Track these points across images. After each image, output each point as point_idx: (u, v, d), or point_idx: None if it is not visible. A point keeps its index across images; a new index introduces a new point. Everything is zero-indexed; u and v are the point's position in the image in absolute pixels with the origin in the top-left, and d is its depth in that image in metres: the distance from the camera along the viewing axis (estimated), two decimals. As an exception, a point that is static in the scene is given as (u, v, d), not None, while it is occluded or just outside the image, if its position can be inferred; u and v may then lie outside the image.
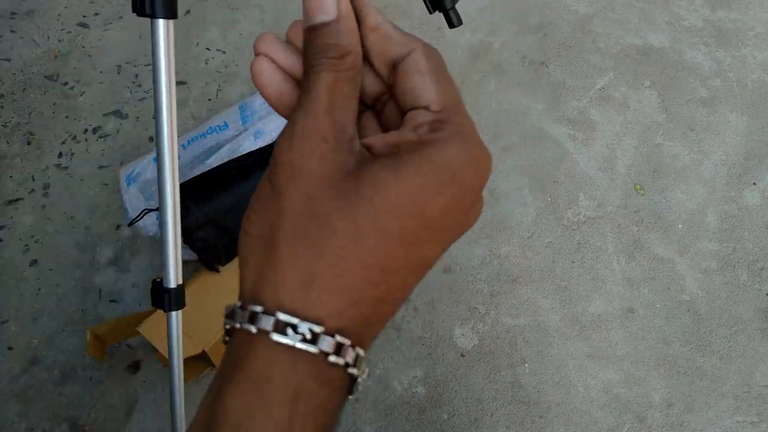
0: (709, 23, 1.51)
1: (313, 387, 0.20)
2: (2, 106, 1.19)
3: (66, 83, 1.23)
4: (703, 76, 1.41)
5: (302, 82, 0.22)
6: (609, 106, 1.33)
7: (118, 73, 1.26)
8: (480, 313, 1.04)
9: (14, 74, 1.23)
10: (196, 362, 0.92)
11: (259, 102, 1.02)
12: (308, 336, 0.19)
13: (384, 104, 0.25)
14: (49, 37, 1.30)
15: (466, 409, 0.95)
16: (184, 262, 1.04)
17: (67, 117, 1.19)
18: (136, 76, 1.26)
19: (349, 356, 0.20)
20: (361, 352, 0.20)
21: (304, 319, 0.20)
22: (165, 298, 0.57)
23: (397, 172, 0.20)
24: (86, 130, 1.17)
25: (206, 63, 1.29)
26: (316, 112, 0.21)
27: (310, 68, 0.22)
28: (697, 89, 1.38)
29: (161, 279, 0.57)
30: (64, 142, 1.16)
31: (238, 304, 0.21)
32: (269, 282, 0.20)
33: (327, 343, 0.19)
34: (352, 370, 0.20)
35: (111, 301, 0.99)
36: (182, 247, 0.95)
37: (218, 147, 0.97)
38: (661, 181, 1.23)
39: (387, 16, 0.24)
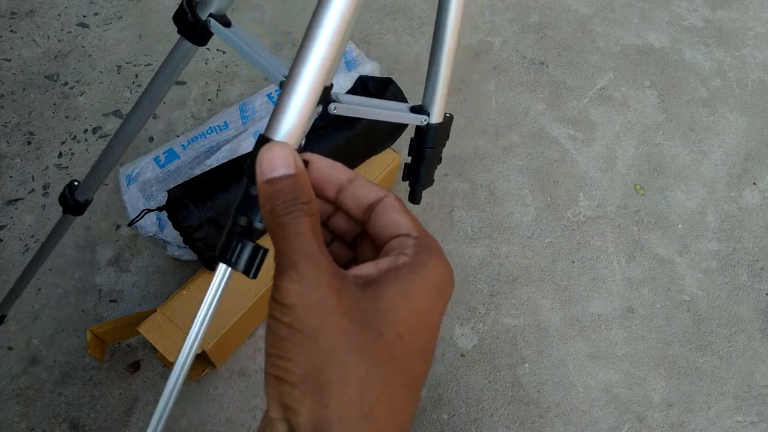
0: (709, 23, 1.51)
1: None
2: (2, 106, 1.19)
3: (66, 83, 1.23)
4: (703, 76, 1.41)
5: (279, 231, 0.23)
6: (609, 106, 1.33)
7: (118, 73, 1.26)
8: (480, 313, 1.04)
9: (14, 74, 1.23)
10: (196, 362, 0.92)
11: (259, 102, 1.02)
12: None
13: (357, 241, 0.28)
14: (49, 37, 1.30)
15: (466, 409, 0.95)
16: (185, 262, 1.04)
17: (67, 117, 1.19)
18: (136, 76, 1.26)
19: None
20: None
21: None
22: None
23: (404, 294, 0.22)
24: (86, 130, 1.17)
25: (206, 63, 1.29)
26: (314, 252, 0.22)
27: (288, 215, 0.23)
28: (697, 89, 1.38)
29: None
30: (64, 142, 1.16)
31: None
32: (332, 423, 0.21)
33: None
34: None
35: (111, 301, 0.99)
36: (182, 247, 0.95)
37: (218, 147, 0.97)
38: (661, 181, 1.23)
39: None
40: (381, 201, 0.26)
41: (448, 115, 0.58)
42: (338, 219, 0.28)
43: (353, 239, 0.28)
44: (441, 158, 0.61)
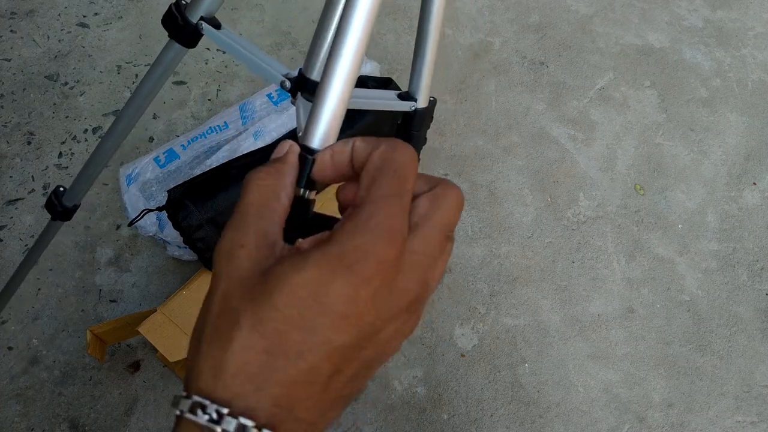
0: (709, 23, 1.51)
1: None
2: (2, 106, 1.19)
3: (66, 83, 1.23)
4: (703, 76, 1.41)
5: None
6: (609, 106, 1.33)
7: (118, 73, 1.26)
8: (480, 313, 1.04)
9: (14, 74, 1.23)
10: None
11: (259, 102, 1.02)
12: (214, 416, 0.22)
13: None
14: (49, 37, 1.30)
15: (466, 409, 0.95)
16: (185, 262, 1.04)
17: (67, 117, 1.19)
18: (136, 76, 1.26)
19: (231, 425, 0.22)
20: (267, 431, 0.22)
21: (213, 402, 0.22)
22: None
23: (296, 265, 0.23)
24: (86, 130, 1.17)
25: (206, 63, 1.29)
26: (238, 224, 0.25)
27: (243, 186, 0.26)
28: (697, 89, 1.38)
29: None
30: (64, 142, 1.15)
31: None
32: (193, 373, 0.23)
33: (230, 424, 0.22)
34: None
35: (111, 301, 0.99)
36: (182, 247, 0.95)
37: (218, 147, 0.97)
38: (661, 181, 1.23)
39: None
40: (366, 161, 0.25)
41: (432, 99, 0.61)
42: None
43: None
44: (426, 138, 0.64)
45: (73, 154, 1.14)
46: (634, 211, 1.19)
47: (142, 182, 0.95)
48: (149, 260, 1.04)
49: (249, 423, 0.22)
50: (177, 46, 0.54)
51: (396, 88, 1.01)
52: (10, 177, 1.10)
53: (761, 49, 1.48)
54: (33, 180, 1.11)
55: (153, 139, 1.17)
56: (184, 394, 0.23)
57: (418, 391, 0.96)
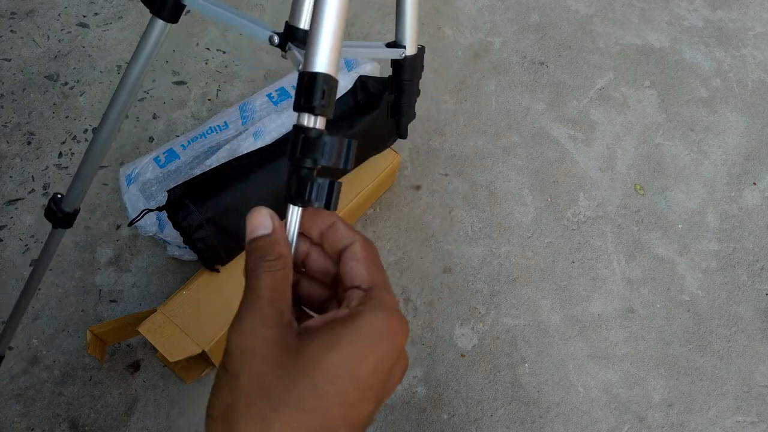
0: (709, 23, 1.51)
1: None
2: (2, 106, 1.19)
3: (66, 83, 1.23)
4: (703, 76, 1.41)
5: (246, 283, 0.28)
6: (609, 106, 1.33)
7: (118, 73, 1.26)
8: (480, 313, 1.04)
9: (14, 74, 1.23)
10: (196, 362, 0.92)
11: (259, 102, 1.02)
12: None
13: (336, 281, 0.31)
14: (49, 37, 1.30)
15: (466, 409, 0.95)
16: (185, 262, 1.04)
17: (67, 117, 1.19)
18: (136, 76, 1.26)
19: None
20: None
21: None
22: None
23: (330, 344, 0.25)
24: (86, 130, 1.17)
25: (206, 63, 1.29)
26: (260, 306, 0.26)
27: (252, 271, 0.28)
28: (697, 89, 1.38)
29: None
30: (64, 142, 1.16)
31: None
32: None
33: None
34: None
35: (111, 301, 0.99)
36: (182, 247, 0.95)
37: (218, 147, 0.97)
38: (661, 181, 1.23)
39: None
40: (348, 248, 0.29)
41: (420, 46, 0.62)
42: (319, 258, 0.31)
43: (333, 280, 0.31)
44: (419, 90, 0.64)
45: (73, 154, 1.14)
46: (634, 211, 1.19)
47: (142, 182, 0.95)
48: (149, 260, 1.04)
49: None
50: (160, 22, 0.53)
51: (396, 88, 1.01)
52: (10, 177, 1.10)
53: (761, 49, 1.48)
54: (33, 180, 1.11)
55: (153, 139, 1.17)
56: None
57: (418, 391, 0.96)
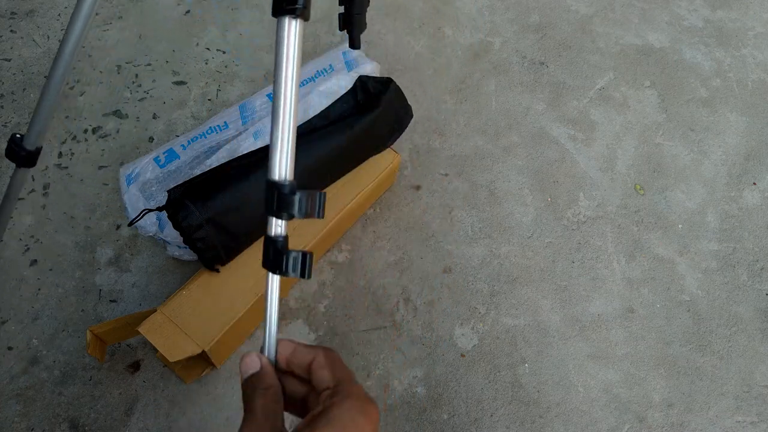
0: (709, 23, 1.51)
1: None
2: (2, 106, 1.19)
3: (66, 83, 1.23)
4: (703, 76, 1.41)
5: (245, 407, 0.35)
6: (609, 106, 1.33)
7: (118, 73, 1.26)
8: (480, 313, 1.04)
9: (14, 74, 1.24)
10: (196, 362, 0.92)
11: (259, 102, 1.02)
12: None
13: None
14: (49, 37, 1.30)
15: (466, 409, 0.95)
16: (185, 262, 1.04)
17: (67, 117, 1.19)
18: (136, 76, 1.26)
19: None
20: None
21: None
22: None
23: None
24: (86, 130, 1.18)
25: (206, 63, 1.29)
26: (256, 421, 0.34)
27: (249, 397, 0.35)
28: (697, 89, 1.38)
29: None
30: (64, 142, 1.16)
31: None
32: None
33: None
34: None
35: (111, 301, 0.99)
36: (182, 247, 0.95)
37: (218, 147, 0.97)
38: (661, 181, 1.23)
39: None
40: (313, 361, 0.36)
41: None
42: (293, 384, 0.38)
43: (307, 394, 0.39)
44: (366, 23, 0.67)
45: (73, 154, 1.14)
46: (634, 211, 1.19)
47: (142, 182, 0.95)
48: (149, 260, 1.04)
49: None
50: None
51: (397, 89, 1.01)
52: (11, 177, 1.10)
53: (761, 49, 1.48)
54: (33, 180, 1.11)
55: (153, 139, 1.17)
56: None
57: (418, 391, 0.96)
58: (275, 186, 0.37)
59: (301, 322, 1.00)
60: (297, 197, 0.36)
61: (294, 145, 0.39)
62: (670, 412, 0.99)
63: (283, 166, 0.38)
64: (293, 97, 0.38)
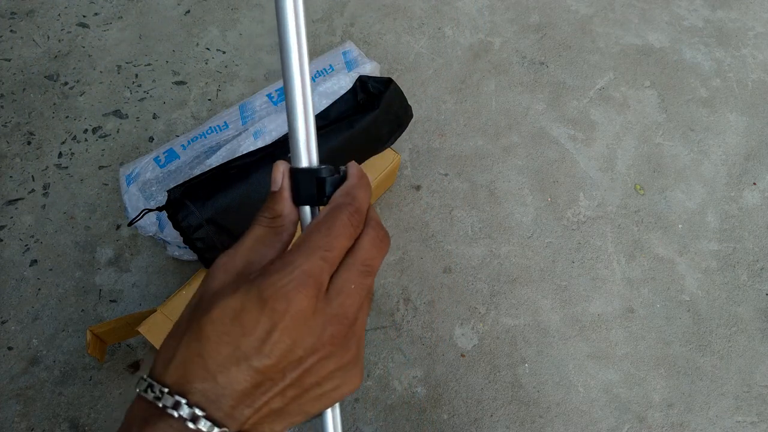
0: (709, 23, 1.51)
1: (157, 422, 0.28)
2: (2, 106, 1.19)
3: (66, 83, 1.23)
4: (703, 76, 1.41)
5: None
6: (609, 106, 1.33)
7: (118, 73, 1.26)
8: (480, 313, 1.04)
9: (14, 74, 1.23)
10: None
11: (259, 102, 1.02)
12: (158, 394, 0.28)
13: None
14: (49, 37, 1.30)
15: (466, 409, 0.95)
16: (185, 262, 1.04)
17: (67, 117, 1.19)
18: (136, 76, 1.26)
19: (184, 411, 0.27)
20: (198, 411, 0.28)
21: (159, 383, 0.28)
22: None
23: (231, 290, 0.28)
24: (86, 130, 1.18)
25: (206, 63, 1.29)
26: (235, 253, 0.30)
27: (255, 220, 0.32)
28: (697, 89, 1.38)
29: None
30: (64, 142, 1.16)
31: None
32: (156, 361, 0.30)
33: (168, 401, 0.28)
34: (190, 424, 0.27)
35: (111, 301, 0.99)
36: (182, 247, 0.95)
37: (218, 147, 0.97)
38: (661, 181, 1.23)
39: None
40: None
41: None
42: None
43: None
44: None
45: (73, 154, 1.14)
46: (634, 211, 1.19)
47: (142, 182, 0.95)
48: (149, 260, 1.04)
49: (182, 400, 0.27)
50: None
51: (397, 89, 1.01)
52: (10, 177, 1.10)
53: (761, 49, 1.47)
54: (33, 180, 1.11)
55: (153, 139, 1.17)
56: (145, 376, 0.29)
57: (418, 391, 0.96)
58: (312, 173, 0.33)
59: (301, 322, 1.00)
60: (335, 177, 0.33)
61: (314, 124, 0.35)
62: (670, 412, 0.99)
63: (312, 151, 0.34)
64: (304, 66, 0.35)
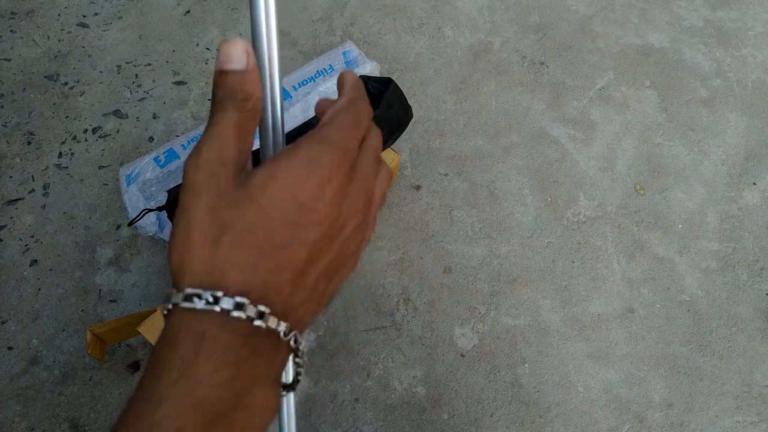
0: (709, 23, 1.51)
1: (214, 333, 0.25)
2: (2, 106, 1.19)
3: (66, 83, 1.23)
4: (703, 76, 1.41)
5: (211, 115, 0.28)
6: (609, 106, 1.33)
7: (118, 73, 1.26)
8: (480, 313, 1.04)
9: (14, 74, 1.23)
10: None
11: (259, 102, 1.02)
12: (210, 300, 0.25)
13: None
14: (49, 37, 1.30)
15: (466, 409, 0.95)
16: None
17: (67, 117, 1.19)
18: (136, 76, 1.26)
19: (249, 311, 0.25)
20: (264, 308, 0.26)
21: (208, 289, 0.25)
22: None
23: (271, 173, 0.26)
24: (86, 130, 1.18)
25: (206, 63, 1.29)
26: (219, 143, 0.27)
27: (218, 105, 0.28)
28: (697, 89, 1.38)
29: None
30: (64, 142, 1.16)
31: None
32: (185, 273, 0.26)
33: (228, 303, 0.25)
34: (259, 323, 0.26)
35: (111, 301, 0.99)
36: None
37: (218, 147, 0.97)
38: (661, 181, 1.23)
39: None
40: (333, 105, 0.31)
41: None
42: None
43: None
44: None
45: (73, 154, 1.14)
46: (634, 211, 1.19)
47: (142, 182, 0.95)
48: (149, 260, 1.04)
49: (245, 300, 0.25)
50: None
51: (397, 89, 1.01)
52: (10, 177, 1.10)
53: (761, 49, 1.47)
54: (33, 180, 1.11)
55: (153, 139, 1.17)
56: (175, 290, 0.26)
57: (418, 391, 0.96)
58: None
59: (301, 322, 1.00)
60: None
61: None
62: (670, 412, 0.99)
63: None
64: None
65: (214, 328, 0.25)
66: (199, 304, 0.25)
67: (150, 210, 0.86)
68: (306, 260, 0.27)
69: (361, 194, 0.29)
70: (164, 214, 0.90)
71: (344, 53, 1.08)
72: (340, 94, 0.31)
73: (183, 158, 0.97)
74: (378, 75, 1.09)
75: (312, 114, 0.98)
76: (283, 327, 0.27)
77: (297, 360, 0.29)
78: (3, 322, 0.96)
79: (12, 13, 1.33)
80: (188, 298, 0.25)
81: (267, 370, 0.27)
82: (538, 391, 0.98)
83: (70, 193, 1.10)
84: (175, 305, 0.26)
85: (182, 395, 0.24)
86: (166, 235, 0.94)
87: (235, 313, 0.25)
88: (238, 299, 0.25)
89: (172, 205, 0.83)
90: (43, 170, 1.12)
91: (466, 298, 1.05)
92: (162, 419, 0.24)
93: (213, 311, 0.25)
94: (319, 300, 0.29)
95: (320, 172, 0.27)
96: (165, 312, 0.27)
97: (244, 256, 0.26)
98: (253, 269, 0.26)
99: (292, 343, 0.28)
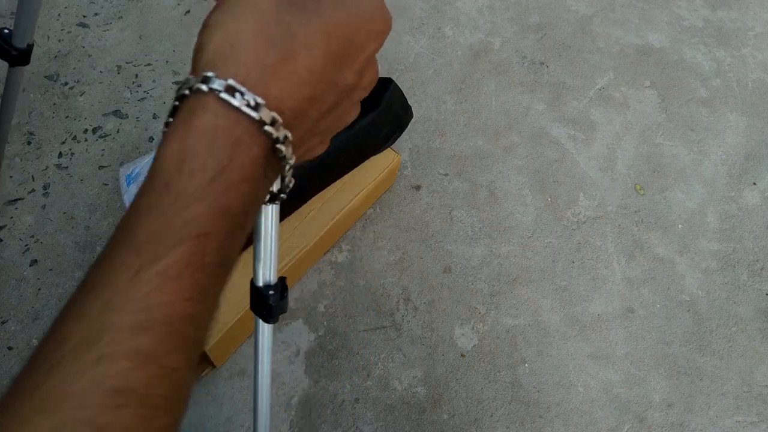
0: (709, 23, 1.51)
1: (248, 142, 0.24)
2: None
3: (66, 83, 1.23)
4: (703, 76, 1.41)
5: None
6: (609, 106, 1.33)
7: (118, 73, 1.26)
8: (480, 313, 1.04)
9: (14, 74, 1.23)
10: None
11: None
12: (252, 104, 0.23)
13: None
14: (49, 37, 1.30)
15: (466, 409, 0.95)
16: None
17: (67, 117, 1.19)
18: (136, 76, 1.26)
19: (279, 132, 0.24)
20: (288, 134, 0.25)
21: (251, 91, 0.23)
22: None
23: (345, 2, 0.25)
24: (86, 130, 1.18)
25: (206, 63, 1.29)
26: None
27: None
28: (697, 89, 1.38)
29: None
30: (64, 142, 1.16)
31: (190, 76, 0.25)
32: (227, 61, 0.24)
33: (266, 114, 0.24)
34: (280, 146, 0.25)
35: (111, 301, 0.99)
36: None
37: (218, 147, 0.97)
38: (661, 181, 1.23)
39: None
40: None
41: None
42: None
43: None
44: None
45: (73, 154, 1.14)
46: (634, 211, 1.19)
47: (142, 182, 0.95)
48: (149, 260, 1.03)
49: (279, 119, 0.24)
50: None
51: (397, 89, 1.01)
52: (10, 177, 1.10)
53: (761, 49, 1.47)
54: (33, 180, 1.11)
55: (153, 138, 1.17)
56: (213, 73, 0.24)
57: (418, 391, 0.96)
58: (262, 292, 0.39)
59: (300, 322, 1.00)
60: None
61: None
62: (670, 412, 0.99)
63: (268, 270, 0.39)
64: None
65: (248, 137, 0.24)
66: (240, 103, 0.23)
67: (150, 210, 0.86)
68: (332, 103, 0.27)
69: (376, 66, 0.29)
70: (164, 214, 0.90)
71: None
72: None
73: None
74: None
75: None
76: (293, 160, 0.26)
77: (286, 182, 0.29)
78: (3, 322, 0.96)
79: (12, 13, 1.33)
80: (229, 89, 0.23)
81: (264, 193, 0.27)
82: (538, 391, 0.98)
83: (70, 193, 1.10)
84: (212, 91, 0.23)
85: (214, 199, 0.23)
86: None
87: (268, 129, 0.24)
88: (274, 115, 0.24)
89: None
90: (43, 170, 1.12)
91: (466, 298, 1.05)
92: (192, 219, 0.23)
93: (251, 117, 0.23)
94: (317, 146, 0.30)
95: (374, 24, 0.26)
96: (186, 91, 0.24)
97: (293, 74, 0.24)
98: (298, 91, 0.25)
99: (290, 176, 0.27)
